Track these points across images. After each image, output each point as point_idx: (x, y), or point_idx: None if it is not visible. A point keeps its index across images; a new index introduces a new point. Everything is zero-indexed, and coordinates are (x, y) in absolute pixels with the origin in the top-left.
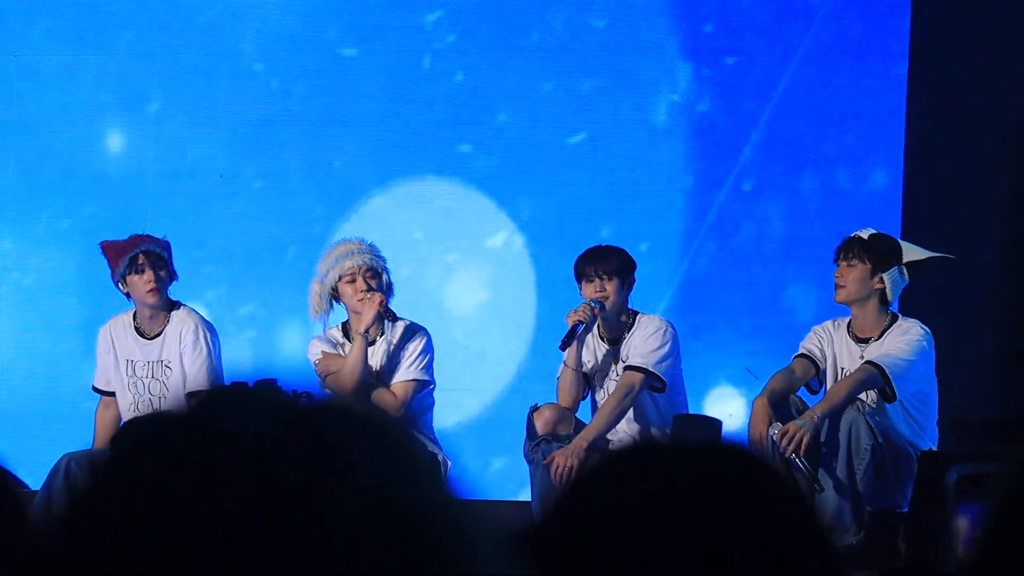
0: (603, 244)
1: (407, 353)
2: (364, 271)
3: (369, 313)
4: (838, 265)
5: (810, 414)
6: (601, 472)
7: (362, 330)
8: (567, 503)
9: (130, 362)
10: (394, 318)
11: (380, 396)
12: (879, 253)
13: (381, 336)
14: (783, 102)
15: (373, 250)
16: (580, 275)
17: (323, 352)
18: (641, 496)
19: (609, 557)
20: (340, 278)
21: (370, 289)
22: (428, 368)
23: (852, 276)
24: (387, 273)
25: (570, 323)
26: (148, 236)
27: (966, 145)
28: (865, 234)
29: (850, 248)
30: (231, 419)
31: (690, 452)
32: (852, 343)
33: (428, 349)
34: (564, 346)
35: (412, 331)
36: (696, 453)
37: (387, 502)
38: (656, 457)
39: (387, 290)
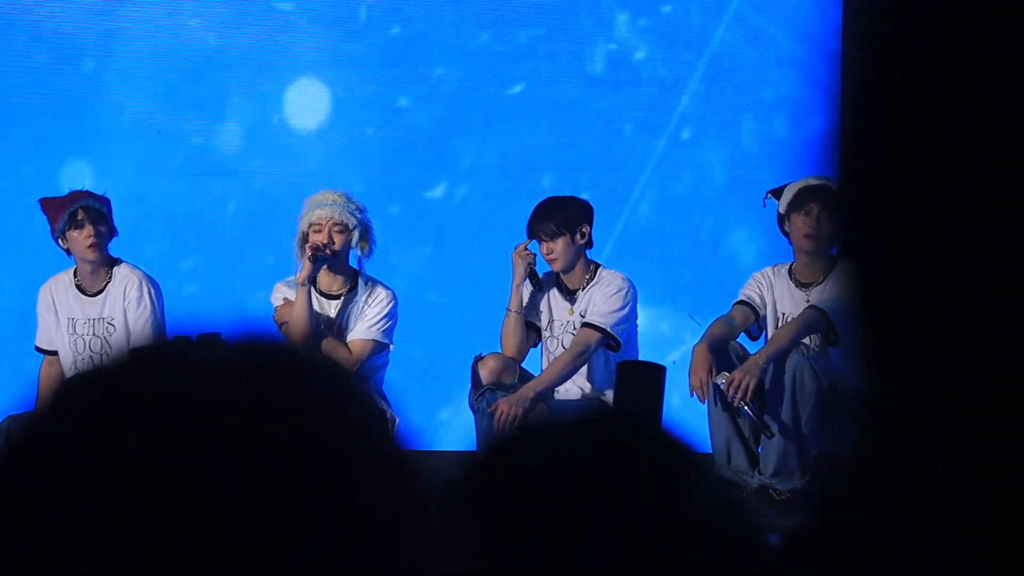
0: (551, 198)
1: (371, 313)
2: (331, 224)
3: (306, 263)
4: (807, 214)
5: (755, 359)
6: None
7: (301, 280)
8: (505, 450)
9: (71, 320)
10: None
11: (334, 350)
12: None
13: (348, 292)
14: (720, 50)
15: (348, 204)
16: (529, 234)
17: (284, 299)
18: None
19: (547, 506)
20: (310, 226)
21: (328, 244)
22: (389, 332)
23: (830, 226)
24: (362, 228)
25: (522, 267)
26: (87, 192)
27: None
28: (832, 184)
29: (828, 198)
30: (173, 375)
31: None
32: (795, 288)
33: (393, 314)
34: (536, 285)
35: (381, 292)
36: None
37: (333, 452)
38: (602, 417)
39: (355, 245)
